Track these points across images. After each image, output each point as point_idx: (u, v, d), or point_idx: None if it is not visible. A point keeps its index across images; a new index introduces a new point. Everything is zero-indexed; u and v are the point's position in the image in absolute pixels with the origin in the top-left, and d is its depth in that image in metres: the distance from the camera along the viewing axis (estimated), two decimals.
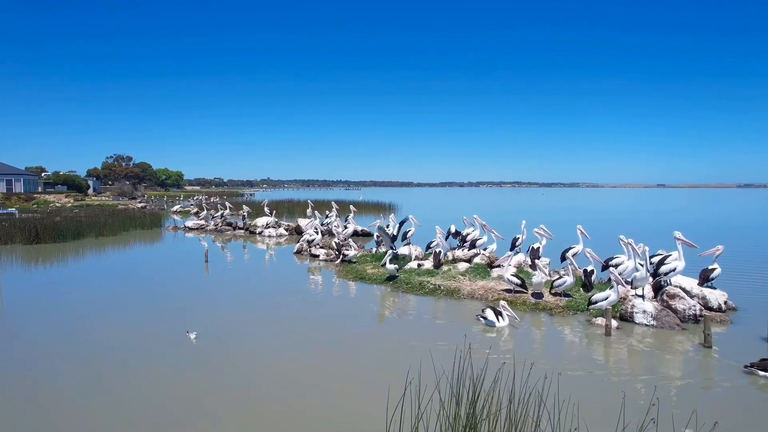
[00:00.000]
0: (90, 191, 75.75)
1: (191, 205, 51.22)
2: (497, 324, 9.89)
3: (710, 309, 10.70)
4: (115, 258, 20.38)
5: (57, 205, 49.08)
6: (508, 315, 10.08)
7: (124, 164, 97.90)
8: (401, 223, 18.58)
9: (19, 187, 61.80)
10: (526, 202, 76.26)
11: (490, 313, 10.05)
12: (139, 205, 50.46)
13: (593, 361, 8.27)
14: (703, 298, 10.87)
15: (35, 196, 56.43)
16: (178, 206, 48.69)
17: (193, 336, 9.09)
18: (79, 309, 11.56)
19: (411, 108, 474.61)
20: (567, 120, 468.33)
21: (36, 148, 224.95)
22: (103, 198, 65.99)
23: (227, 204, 36.68)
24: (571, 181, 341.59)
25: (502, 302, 10.41)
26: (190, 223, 31.33)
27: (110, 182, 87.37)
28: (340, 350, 8.74)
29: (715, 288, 11.28)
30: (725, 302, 11.03)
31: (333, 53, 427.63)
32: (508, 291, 12.19)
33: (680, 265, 10.57)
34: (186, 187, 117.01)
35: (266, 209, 30.46)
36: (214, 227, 30.03)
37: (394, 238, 18.41)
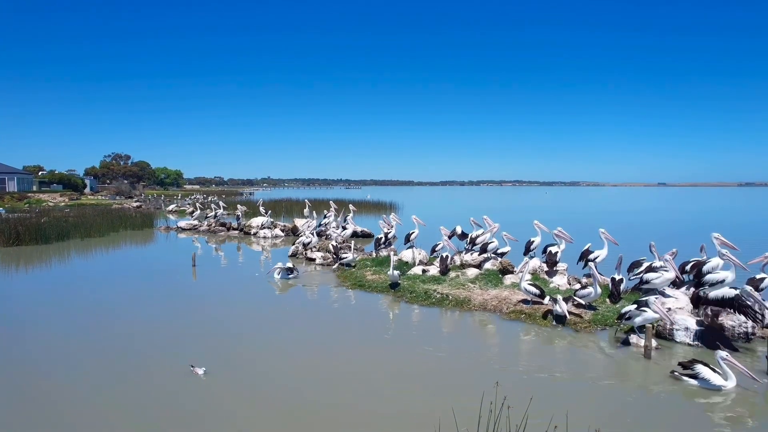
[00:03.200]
0: (87, 190, 74.50)
1: (188, 204, 49.91)
2: (723, 386, 6.79)
3: (765, 326, 9.30)
4: (94, 262, 18.99)
5: (50, 204, 47.82)
6: (734, 369, 6.86)
7: (122, 163, 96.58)
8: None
9: (12, 186, 60.51)
10: (531, 201, 74.79)
11: (704, 371, 6.89)
12: (134, 205, 49.22)
13: (644, 402, 6.86)
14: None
15: (29, 195, 55.13)
16: (174, 206, 47.33)
17: (201, 372, 7.29)
18: (21, 322, 10.23)
19: (411, 107, 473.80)
20: (567, 119, 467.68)
21: (35, 148, 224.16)
22: (100, 197, 64.73)
23: (221, 203, 35.32)
24: (571, 179, 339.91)
25: (722, 353, 7.00)
26: (182, 224, 30.00)
27: (108, 181, 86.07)
28: (324, 386, 7.38)
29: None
30: None
31: (335, 53, 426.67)
32: (525, 302, 10.81)
33: (730, 276, 9.05)
34: (185, 186, 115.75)
35: (261, 209, 29.15)
36: (207, 228, 28.70)
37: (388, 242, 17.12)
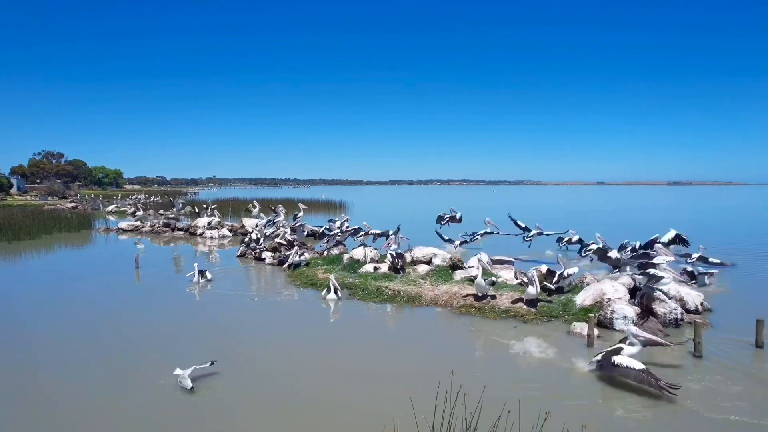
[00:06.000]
0: (13, 190, 69.57)
1: (129, 204, 47.69)
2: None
3: (688, 311, 10.01)
4: (25, 266, 17.86)
5: None
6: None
7: (54, 161, 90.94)
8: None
9: None
10: (483, 200, 76.59)
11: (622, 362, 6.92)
12: (70, 205, 46.48)
13: (591, 388, 7.15)
14: (681, 299, 10.16)
15: None
16: (114, 206, 45.10)
17: (188, 382, 6.65)
18: None
19: (360, 107, 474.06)
20: (511, 119, 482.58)
21: None
22: (29, 197, 60.71)
23: (180, 202, 33.83)
24: (516, 179, 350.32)
25: (632, 329, 7.49)
26: (124, 225, 28.67)
27: (38, 181, 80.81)
28: (280, 379, 7.29)
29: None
30: (701, 303, 10.39)
31: (282, 50, 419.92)
32: (475, 297, 11.08)
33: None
34: (125, 186, 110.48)
35: (206, 210, 28.25)
36: (151, 228, 27.55)
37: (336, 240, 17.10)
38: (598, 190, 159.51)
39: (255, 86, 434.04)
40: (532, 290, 10.16)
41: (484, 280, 10.89)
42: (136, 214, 32.77)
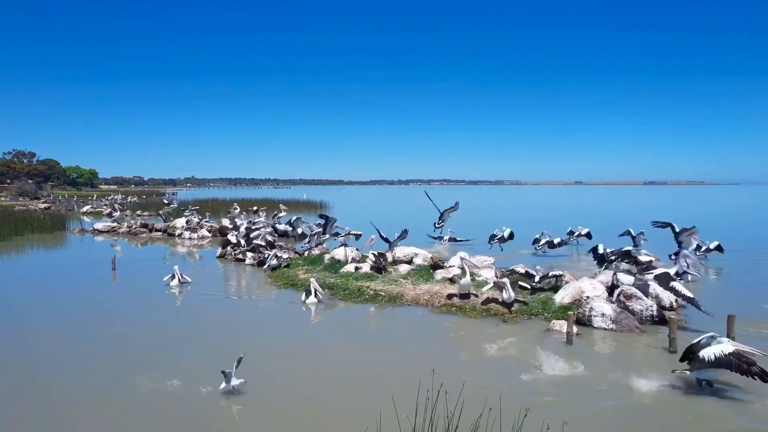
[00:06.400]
0: None
1: (105, 205, 46.73)
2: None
3: (663, 308, 10.21)
4: None
5: None
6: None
7: (26, 161, 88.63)
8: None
9: None
10: (477, 201, 76.94)
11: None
12: (42, 206, 45.35)
13: (571, 385, 7.25)
14: (657, 297, 10.36)
15: None
16: (89, 207, 44.15)
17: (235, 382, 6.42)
18: None
19: (341, 107, 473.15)
20: (490, 119, 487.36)
21: None
22: None
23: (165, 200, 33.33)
24: (496, 179, 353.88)
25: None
26: (100, 226, 28.09)
27: (9, 181, 78.62)
28: (260, 380, 7.22)
29: None
30: (675, 300, 10.60)
31: (253, 49, 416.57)
32: (459, 296, 11.12)
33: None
34: (101, 187, 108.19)
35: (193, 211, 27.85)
36: (128, 229, 27.05)
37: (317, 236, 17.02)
38: (577, 190, 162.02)
39: (234, 86, 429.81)
40: (506, 295, 10.26)
41: (462, 279, 10.95)
42: (113, 214, 32.14)
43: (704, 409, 6.15)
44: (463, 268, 11.20)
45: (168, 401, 6.37)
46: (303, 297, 11.46)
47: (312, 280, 11.83)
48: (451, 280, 11.82)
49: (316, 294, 11.45)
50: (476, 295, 11.01)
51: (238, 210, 26.81)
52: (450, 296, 11.15)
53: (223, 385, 6.34)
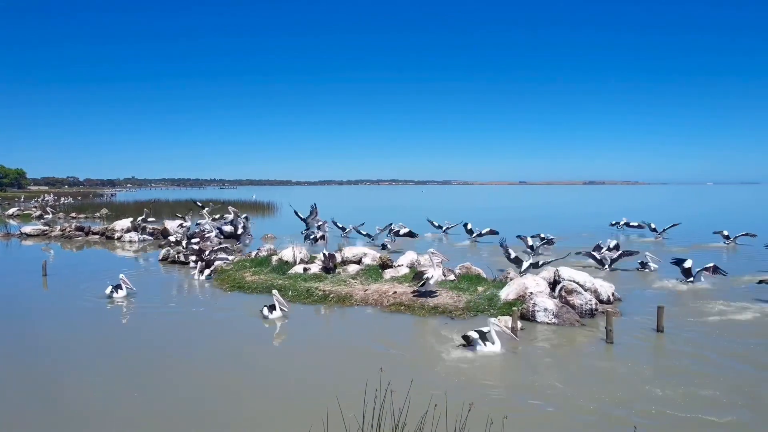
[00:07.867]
0: None
1: (35, 206, 43.89)
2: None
3: (601, 302, 10.71)
4: None
5: None
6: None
7: None
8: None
9: None
10: (420, 199, 77.78)
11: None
12: None
13: (513, 378, 7.48)
14: (595, 291, 10.86)
15: None
16: (16, 209, 41.39)
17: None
18: None
19: (290, 108, 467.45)
20: (437, 119, 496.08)
21: None
22: None
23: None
24: (443, 179, 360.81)
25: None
26: (28, 229, 26.35)
27: None
28: (205, 388, 7.00)
29: None
30: (612, 294, 11.17)
31: (204, 44, 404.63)
32: (418, 293, 11.17)
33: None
34: (30, 187, 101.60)
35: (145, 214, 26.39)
36: (61, 233, 25.52)
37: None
38: (522, 190, 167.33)
39: (179, 86, 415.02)
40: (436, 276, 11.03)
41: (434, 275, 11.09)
42: (45, 217, 30.22)
43: (643, 395, 6.47)
44: (431, 265, 11.25)
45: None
46: (265, 312, 10.14)
47: (274, 292, 10.58)
48: (419, 276, 11.36)
49: (281, 308, 10.33)
50: (435, 293, 11.11)
51: (207, 209, 25.27)
52: (415, 293, 11.15)
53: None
